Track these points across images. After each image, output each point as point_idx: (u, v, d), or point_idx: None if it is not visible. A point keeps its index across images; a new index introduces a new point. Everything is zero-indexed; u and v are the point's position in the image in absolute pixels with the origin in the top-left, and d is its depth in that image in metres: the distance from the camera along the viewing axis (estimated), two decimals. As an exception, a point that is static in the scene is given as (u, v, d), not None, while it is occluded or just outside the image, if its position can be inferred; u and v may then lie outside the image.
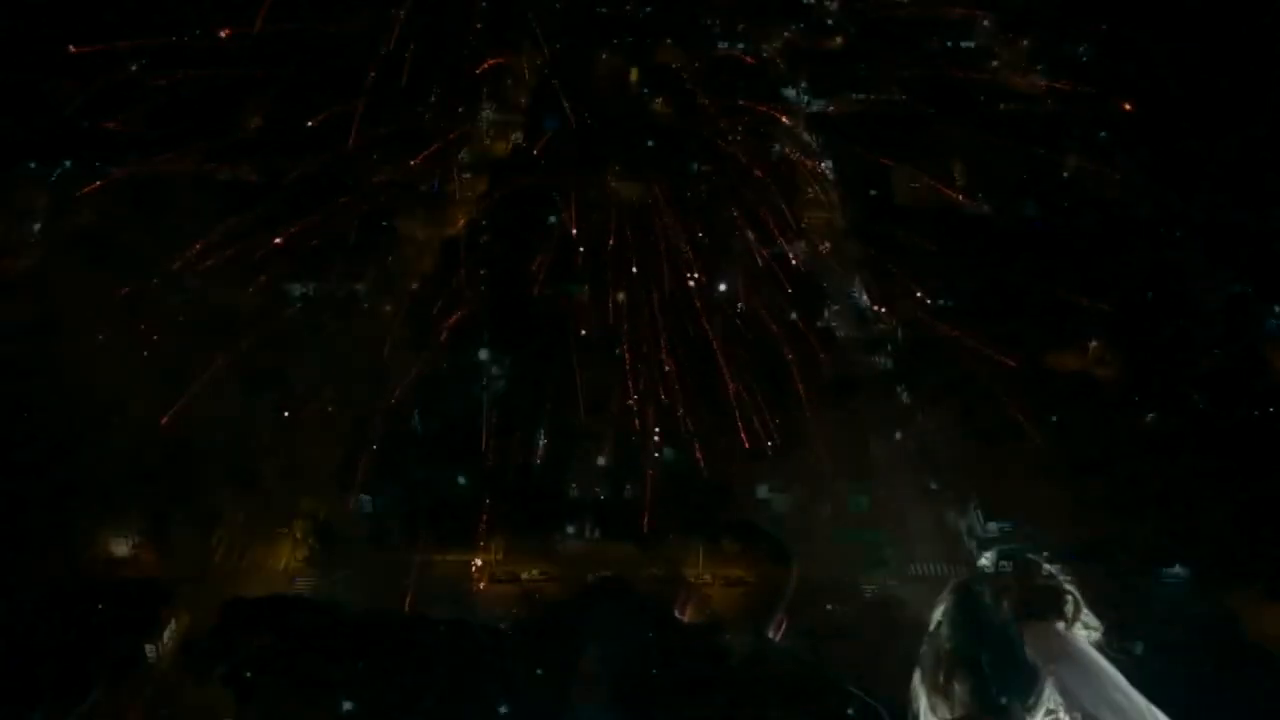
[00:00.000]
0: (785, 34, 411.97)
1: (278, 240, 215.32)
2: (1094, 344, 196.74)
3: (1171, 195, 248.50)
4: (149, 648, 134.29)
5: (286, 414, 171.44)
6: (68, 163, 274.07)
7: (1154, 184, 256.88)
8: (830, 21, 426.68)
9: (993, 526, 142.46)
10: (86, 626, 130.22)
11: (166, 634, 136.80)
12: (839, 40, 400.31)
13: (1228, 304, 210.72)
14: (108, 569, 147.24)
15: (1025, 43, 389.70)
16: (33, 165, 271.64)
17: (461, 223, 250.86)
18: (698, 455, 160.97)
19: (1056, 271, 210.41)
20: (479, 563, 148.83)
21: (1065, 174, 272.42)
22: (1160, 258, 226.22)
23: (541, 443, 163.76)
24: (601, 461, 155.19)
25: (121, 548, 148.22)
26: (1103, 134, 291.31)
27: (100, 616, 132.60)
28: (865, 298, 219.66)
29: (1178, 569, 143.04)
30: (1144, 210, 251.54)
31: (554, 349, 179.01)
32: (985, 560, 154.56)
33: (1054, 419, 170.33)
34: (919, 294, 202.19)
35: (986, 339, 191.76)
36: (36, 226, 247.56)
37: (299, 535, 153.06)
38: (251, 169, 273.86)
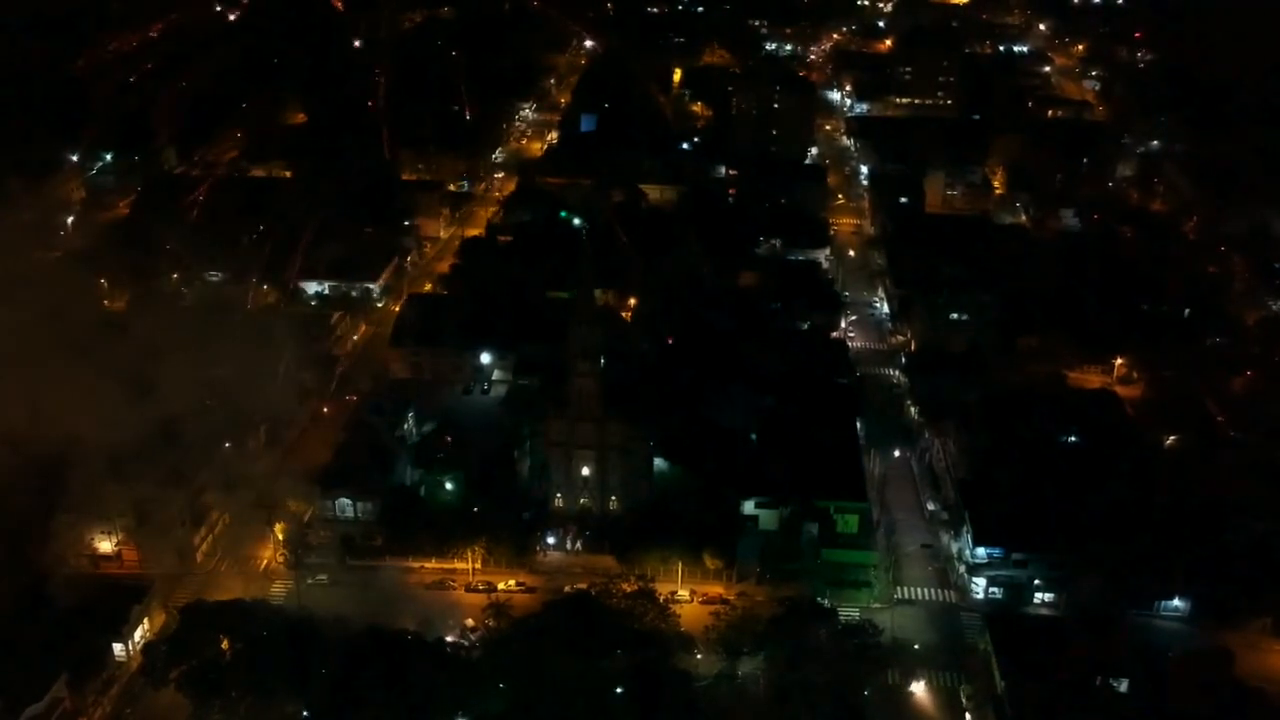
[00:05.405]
0: (834, 36, 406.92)
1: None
2: (1119, 361, 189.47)
3: (1219, 208, 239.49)
4: (118, 647, 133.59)
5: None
6: (108, 156, 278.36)
7: (1202, 196, 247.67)
8: (881, 24, 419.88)
9: (982, 553, 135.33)
10: (51, 623, 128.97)
11: (139, 633, 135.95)
12: (888, 43, 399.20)
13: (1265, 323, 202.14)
14: (89, 564, 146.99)
15: (1080, 48, 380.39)
16: (74, 158, 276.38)
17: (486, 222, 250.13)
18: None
19: (1086, 284, 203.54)
20: (455, 571, 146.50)
21: (1109, 184, 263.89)
22: (1201, 273, 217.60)
23: (530, 450, 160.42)
24: (586, 471, 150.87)
25: (104, 544, 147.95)
26: (1154, 143, 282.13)
27: (67, 613, 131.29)
28: (885, 308, 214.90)
29: (1177, 602, 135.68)
30: (1187, 223, 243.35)
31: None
32: (976, 587, 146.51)
33: (1070, 439, 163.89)
34: (938, 306, 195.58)
35: (1006, 354, 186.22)
36: (70, 219, 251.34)
37: (280, 537, 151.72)
38: (286, 165, 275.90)
